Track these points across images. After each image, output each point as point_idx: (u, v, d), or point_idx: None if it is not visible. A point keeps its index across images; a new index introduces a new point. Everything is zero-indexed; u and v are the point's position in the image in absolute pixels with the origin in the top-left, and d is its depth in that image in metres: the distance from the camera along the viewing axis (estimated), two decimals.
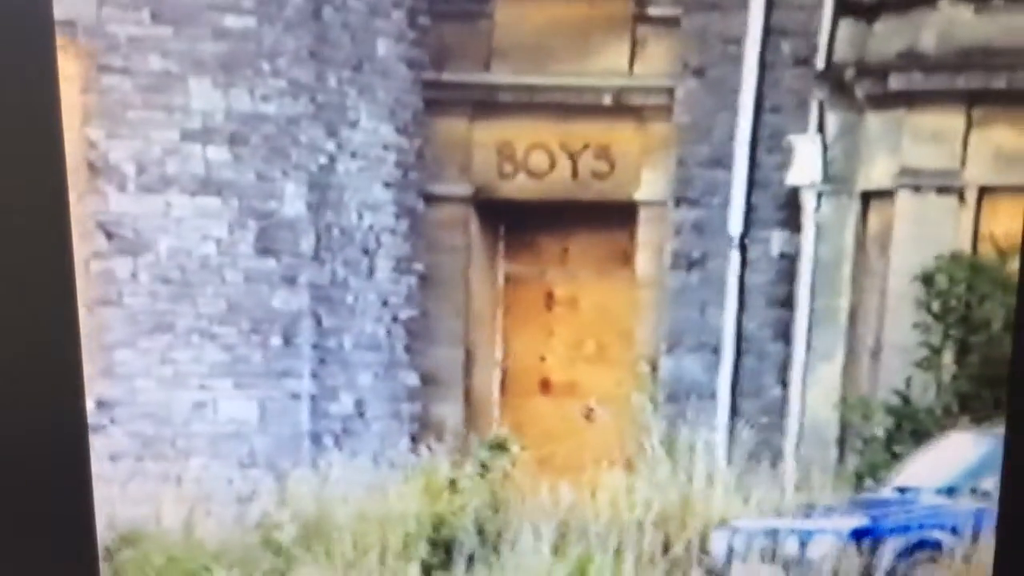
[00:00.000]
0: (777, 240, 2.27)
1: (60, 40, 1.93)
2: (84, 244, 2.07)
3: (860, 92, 2.18)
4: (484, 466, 2.33)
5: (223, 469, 2.19)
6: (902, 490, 2.35)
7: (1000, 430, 2.30)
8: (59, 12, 1.85)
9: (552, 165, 2.24)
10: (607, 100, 2.19)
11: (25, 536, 1.34)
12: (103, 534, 2.10)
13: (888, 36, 2.15)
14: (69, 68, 2.07)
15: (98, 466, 2.01)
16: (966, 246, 2.24)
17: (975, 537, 2.33)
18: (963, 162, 2.21)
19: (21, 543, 1.33)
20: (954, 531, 2.34)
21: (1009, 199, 2.23)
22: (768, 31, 2.14)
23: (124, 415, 2.09)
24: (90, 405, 2.04)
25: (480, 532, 2.33)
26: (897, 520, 2.34)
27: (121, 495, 2.06)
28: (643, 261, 2.29)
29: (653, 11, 2.13)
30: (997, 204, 2.25)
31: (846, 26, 2.13)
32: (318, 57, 2.08)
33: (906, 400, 2.31)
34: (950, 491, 2.36)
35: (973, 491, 2.34)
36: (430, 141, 2.19)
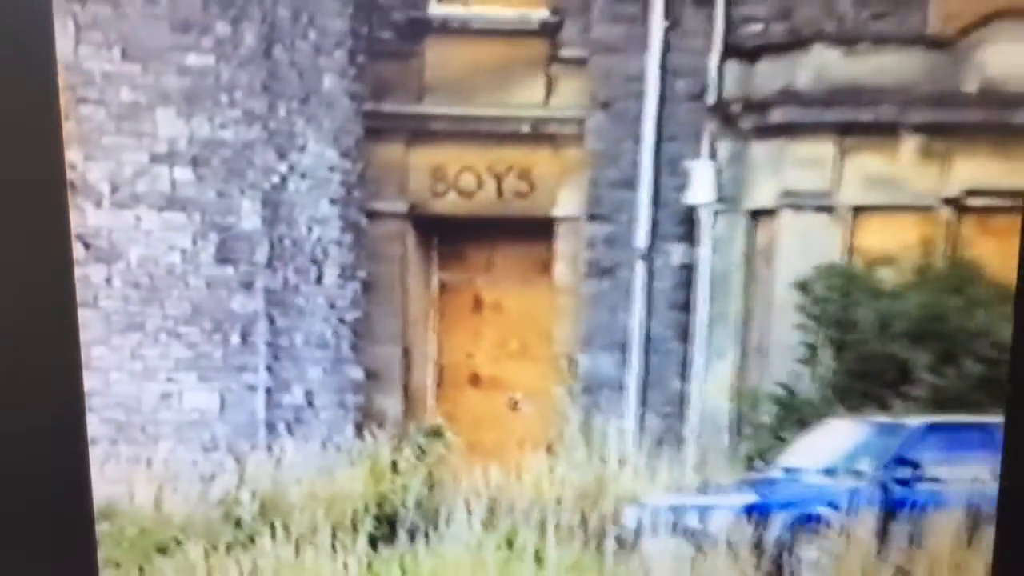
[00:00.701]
0: (677, 252, 2.54)
1: None
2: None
3: (746, 124, 2.47)
4: (421, 451, 2.58)
5: (188, 452, 2.43)
6: (788, 470, 2.63)
7: (875, 418, 2.59)
8: None
9: (479, 185, 2.50)
10: (526, 129, 2.46)
11: (25, 533, 1.33)
12: None
13: (768, 75, 2.44)
14: None
15: None
16: (839, 258, 2.53)
17: (853, 512, 2.60)
18: (836, 185, 2.50)
19: (21, 541, 1.32)
20: (835, 506, 2.61)
21: (877, 217, 2.53)
22: (665, 71, 2.42)
23: (99, 404, 2.33)
24: None
25: (419, 509, 2.58)
26: (784, 496, 2.62)
27: (98, 475, 2.29)
28: (560, 270, 2.56)
29: (565, 52, 2.41)
30: (867, 221, 2.54)
31: (732, 67, 2.41)
32: (270, 90, 2.34)
33: (790, 392, 2.59)
34: (829, 471, 2.64)
35: (849, 471, 2.62)
36: (371, 164, 2.44)
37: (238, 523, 2.43)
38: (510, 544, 2.59)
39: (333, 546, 2.51)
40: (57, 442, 1.34)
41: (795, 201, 2.46)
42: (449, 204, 2.44)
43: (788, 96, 2.39)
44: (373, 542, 2.53)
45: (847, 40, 2.39)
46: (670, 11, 2.34)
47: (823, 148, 2.43)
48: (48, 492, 1.33)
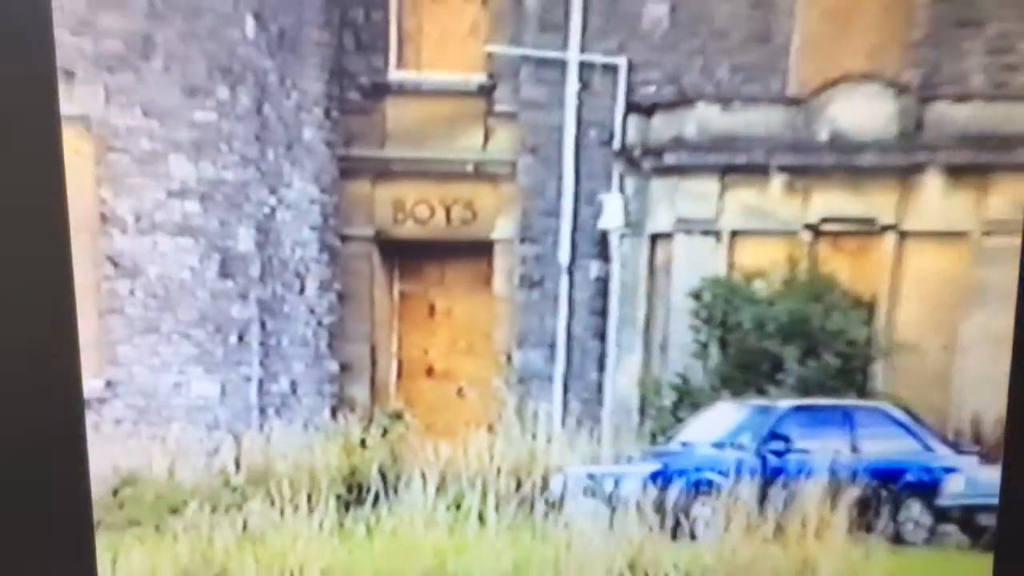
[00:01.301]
0: (593, 268, 3.12)
1: (78, 129, 2.73)
2: (97, 270, 2.85)
3: (646, 165, 3.04)
4: (385, 430, 3.13)
5: (195, 431, 2.97)
6: (684, 444, 3.20)
7: (754, 401, 3.17)
8: (77, 109, 2.66)
9: (432, 214, 3.07)
10: (469, 169, 3.03)
11: (24, 533, 1.31)
12: (109, 479, 2.88)
13: (662, 127, 3.02)
14: (84, 147, 2.86)
15: (106, 429, 2.79)
16: (722, 272, 3.11)
17: (737, 478, 3.18)
18: (719, 214, 3.08)
19: (21, 539, 1.30)
20: (723, 473, 3.18)
21: (751, 239, 3.11)
22: (579, 123, 3.00)
23: (124, 392, 2.87)
24: (100, 384, 2.82)
25: (383, 478, 3.12)
26: (681, 465, 3.19)
27: (122, 450, 2.83)
28: (498, 282, 3.13)
29: (499, 108, 2.98)
30: (743, 243, 3.12)
31: (633, 120, 2.99)
32: (261, 140, 2.89)
33: (685, 380, 3.17)
34: (718, 444, 3.22)
35: (733, 445, 3.20)
36: (343, 197, 3.00)
37: (234, 489, 2.96)
38: (458, 507, 3.12)
39: (310, 508, 3.04)
40: (57, 442, 1.29)
41: (686, 226, 3.03)
42: (407, 230, 3.00)
43: (678, 143, 2.97)
44: (345, 505, 3.06)
45: (724, 99, 2.97)
46: (583, 76, 2.92)
47: (708, 185, 3.01)
48: (48, 492, 1.29)
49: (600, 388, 3.12)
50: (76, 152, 2.73)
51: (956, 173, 2.98)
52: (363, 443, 3.09)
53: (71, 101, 2.65)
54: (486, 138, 2.89)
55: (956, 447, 3.18)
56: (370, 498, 3.09)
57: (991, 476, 3.11)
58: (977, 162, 2.95)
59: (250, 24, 2.73)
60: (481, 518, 3.11)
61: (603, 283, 3.07)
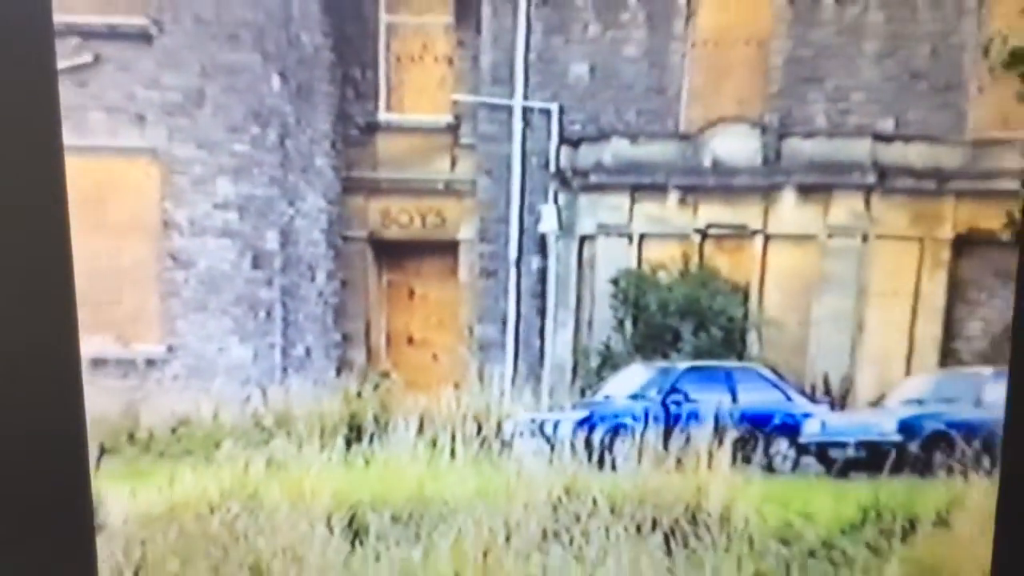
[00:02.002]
0: (535, 262, 4.07)
1: (149, 158, 3.67)
2: (159, 263, 3.78)
3: (574, 184, 4.00)
4: (377, 385, 4.07)
5: (232, 386, 3.91)
6: (606, 397, 4.15)
7: (658, 364, 4.12)
8: (147, 143, 3.62)
9: (411, 221, 4.02)
10: (441, 186, 3.99)
11: (24, 532, 1.27)
12: (168, 420, 3.80)
13: (586, 155, 3.98)
14: (153, 171, 3.79)
15: (167, 383, 3.73)
16: (633, 265, 4.07)
17: (647, 422, 4.12)
18: (630, 220, 4.04)
19: (20, 540, 1.27)
20: (636, 419, 4.13)
21: (655, 240, 4.08)
22: (524, 152, 3.95)
23: (180, 355, 3.81)
24: (163, 349, 3.75)
25: (376, 422, 4.04)
26: (604, 413, 4.14)
27: (178, 398, 3.76)
28: (463, 273, 4.08)
29: (462, 141, 3.93)
30: (649, 242, 4.09)
31: (564, 150, 3.95)
32: (284, 166, 3.84)
33: (607, 348, 4.13)
34: (632, 397, 4.17)
35: (644, 397, 4.15)
36: (345, 208, 3.95)
37: (263, 429, 3.89)
38: (433, 444, 4.05)
39: (322, 444, 3.96)
40: (57, 442, 1.27)
41: (605, 230, 4.00)
42: (393, 232, 3.97)
43: (598, 168, 3.94)
44: (347, 442, 3.99)
45: (632, 135, 3.94)
46: (525, 117, 3.88)
47: (621, 199, 3.97)
48: (48, 491, 1.27)
49: (541, 354, 4.07)
50: (147, 175, 3.68)
51: (805, 191, 3.96)
52: (360, 395, 4.02)
53: (143, 138, 3.61)
54: (452, 163, 3.85)
55: (811, 398, 4.15)
56: (366, 437, 4.00)
57: (839, 419, 4.12)
58: (821, 183, 3.93)
59: (276, 80, 3.69)
60: (451, 453, 4.02)
61: (542, 274, 4.02)
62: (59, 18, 3.25)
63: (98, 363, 3.67)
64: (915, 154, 3.94)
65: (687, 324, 4.14)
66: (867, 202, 3.97)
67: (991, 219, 3.96)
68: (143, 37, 3.54)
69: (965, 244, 4.05)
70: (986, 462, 3.93)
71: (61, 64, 3.26)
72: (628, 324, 4.15)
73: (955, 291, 4.09)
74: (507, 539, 3.70)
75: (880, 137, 3.94)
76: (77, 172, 3.48)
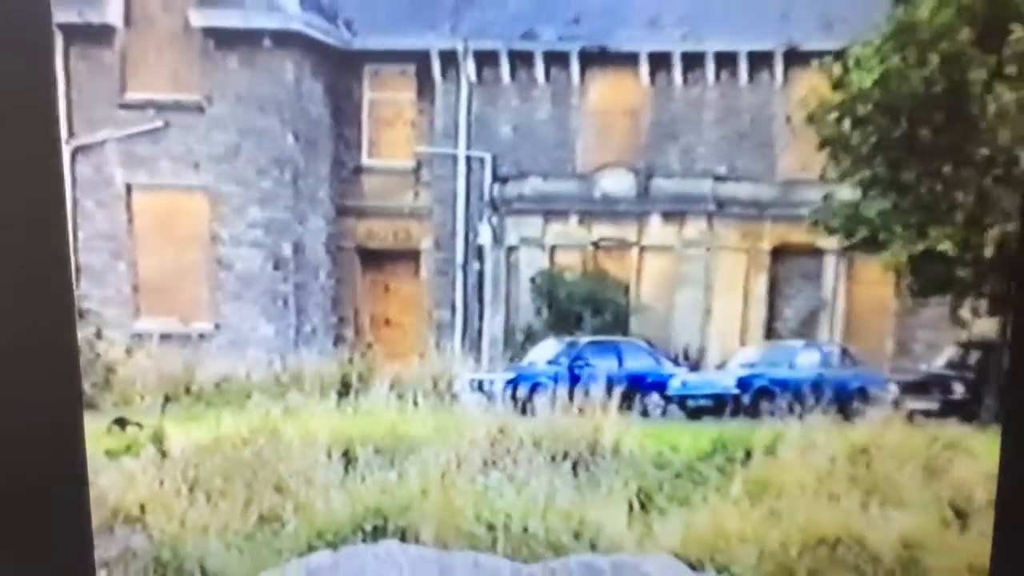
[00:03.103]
0: (475, 265, 5.65)
1: (201, 193, 5.21)
2: (209, 266, 5.31)
3: (504, 210, 5.59)
4: (363, 355, 5.62)
5: (260, 353, 5.45)
6: (529, 363, 5.72)
7: (567, 338, 5.70)
8: (200, 183, 5.19)
9: (387, 236, 5.58)
10: (407, 211, 5.55)
11: (24, 532, 1.23)
12: (214, 378, 5.32)
13: (512, 189, 5.56)
14: (204, 203, 5.33)
15: (214, 351, 5.26)
16: (547, 267, 5.65)
17: (558, 382, 5.68)
18: (543, 236, 5.62)
19: (20, 539, 1.22)
20: (552, 379, 5.69)
21: (562, 250, 5.66)
22: (467, 187, 5.53)
23: (224, 331, 5.35)
24: (212, 326, 5.29)
25: (361, 380, 5.58)
26: (528, 374, 5.70)
27: (222, 363, 5.29)
28: (424, 273, 5.65)
29: (422, 179, 5.50)
30: (558, 251, 5.67)
31: (496, 185, 5.53)
32: (295, 197, 5.39)
33: (529, 327, 5.71)
34: (549, 363, 5.74)
35: (556, 363, 5.72)
36: (339, 227, 5.51)
37: (281, 385, 5.42)
38: (400, 399, 5.58)
39: (322, 397, 5.48)
40: (56, 441, 1.22)
41: (526, 242, 5.59)
42: (374, 244, 5.53)
43: (520, 198, 5.53)
44: (339, 395, 5.51)
45: (544, 174, 5.52)
46: (468, 162, 5.46)
47: (537, 220, 5.57)
48: (48, 491, 1.22)
49: (480, 332, 5.64)
50: (200, 204, 5.21)
51: (667, 216, 5.57)
52: (350, 361, 5.57)
53: (198, 179, 5.13)
54: (416, 195, 5.44)
55: (675, 363, 5.75)
56: (354, 392, 5.52)
57: (695, 378, 5.72)
58: (677, 210, 5.55)
59: (290, 138, 5.25)
60: (416, 403, 5.55)
61: (481, 274, 5.60)
62: (138, 96, 4.81)
63: (164, 336, 5.22)
64: (742, 190, 5.58)
65: (587, 310, 5.73)
66: (709, 223, 5.60)
67: (797, 235, 5.58)
68: (198, 108, 5.10)
69: (779, 253, 5.70)
70: (797, 408, 5.50)
71: (141, 128, 4.81)
72: (544, 310, 5.74)
73: (773, 286, 5.73)
74: (458, 466, 5.22)
75: (718, 178, 5.57)
76: (152, 202, 5.06)
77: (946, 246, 5.42)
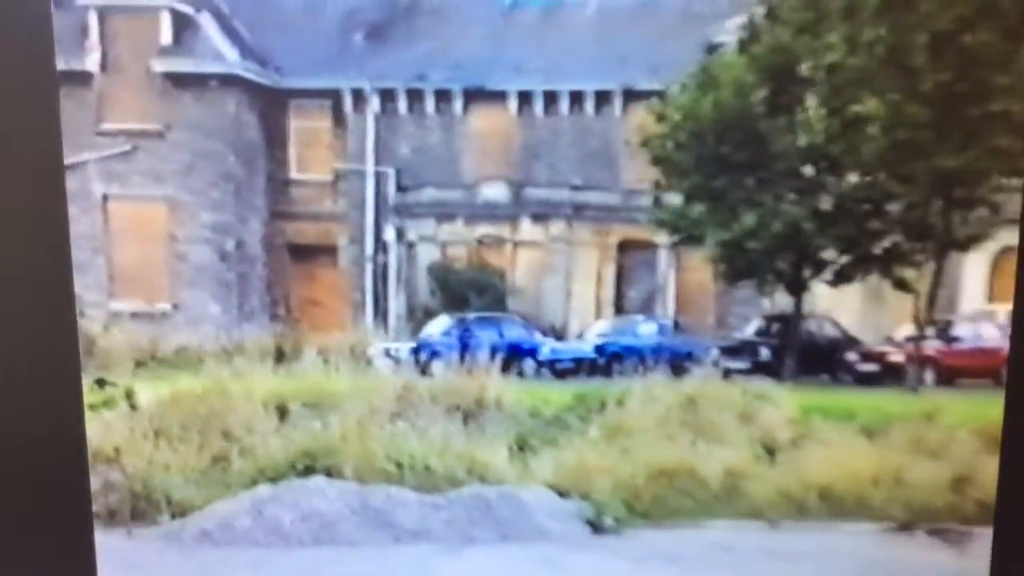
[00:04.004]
0: (382, 257, 7.14)
1: (162, 202, 6.66)
2: (169, 258, 6.73)
3: (404, 213, 7.07)
4: (294, 329, 7.08)
5: (210, 328, 6.89)
6: (428, 335, 7.21)
7: (459, 315, 7.21)
8: (161, 192, 6.63)
9: (311, 234, 7.04)
10: (327, 214, 7.02)
11: (24, 532, 1.25)
12: (172, 347, 6.75)
13: (412, 197, 7.05)
14: (164, 209, 6.74)
15: (173, 327, 6.69)
16: (439, 258, 7.14)
17: (450, 349, 7.17)
18: (436, 234, 7.11)
19: (20, 540, 1.24)
20: (446, 348, 7.17)
21: (452, 245, 7.15)
22: (376, 195, 7.00)
23: (181, 310, 6.79)
24: (171, 307, 6.71)
25: (292, 349, 7.03)
26: (426, 343, 7.19)
27: (180, 335, 6.71)
28: (341, 263, 7.13)
29: (339, 189, 6.96)
30: (449, 246, 7.16)
31: (399, 194, 7.01)
32: (238, 204, 6.84)
33: (426, 307, 7.21)
34: (443, 334, 7.23)
35: (448, 334, 7.21)
36: (273, 228, 6.97)
37: (228, 353, 6.85)
38: (326, 362, 7.03)
39: (261, 363, 6.92)
40: (57, 440, 1.23)
41: (423, 239, 7.07)
42: (302, 241, 6.99)
43: (418, 204, 7.02)
44: (276, 361, 6.95)
45: (438, 185, 7.00)
46: (375, 176, 6.92)
47: (431, 222, 7.06)
48: (48, 491, 1.23)
49: (388, 310, 7.12)
50: (162, 210, 6.60)
51: (535, 218, 7.08)
52: (283, 334, 7.01)
53: (160, 190, 6.54)
54: (334, 202, 6.86)
55: (544, 334, 7.27)
56: (286, 359, 6.96)
57: (561, 346, 7.23)
58: (543, 213, 7.06)
59: (232, 158, 6.68)
60: (337, 368, 6.99)
61: (387, 265, 7.06)
62: (112, 126, 6.23)
63: (134, 315, 6.62)
64: (593, 197, 7.10)
65: (472, 292, 7.23)
66: (568, 224, 7.11)
67: (637, 233, 7.11)
68: (159, 135, 6.51)
69: (624, 247, 7.23)
70: (641, 369, 7.00)
71: (115, 151, 6.22)
72: (438, 292, 7.23)
73: (620, 273, 7.26)
74: (371, 416, 6.64)
75: (574, 188, 7.09)
76: (124, 209, 6.50)
77: (754, 243, 6.99)
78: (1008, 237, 8.71)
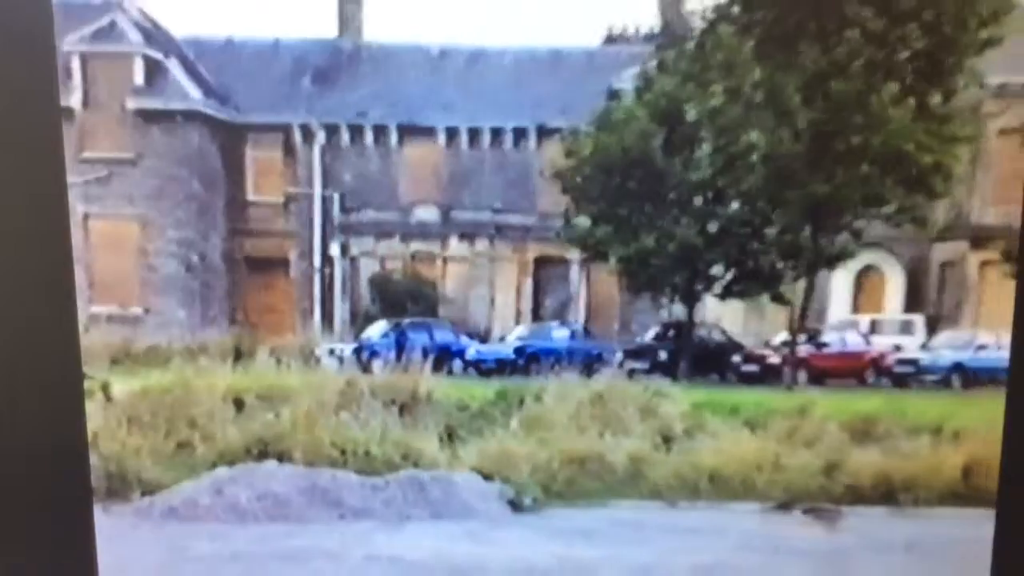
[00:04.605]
0: (328, 270, 8.22)
1: (136, 221, 7.73)
2: (141, 269, 7.79)
3: (349, 231, 8.15)
4: (250, 332, 8.15)
5: (177, 331, 7.96)
6: (367, 337, 8.30)
7: (396, 320, 8.31)
8: (134, 211, 7.71)
9: (265, 249, 8.12)
10: (280, 232, 8.11)
11: (24, 533, 0.97)
12: (144, 348, 7.81)
13: (354, 217, 8.12)
14: (136, 226, 7.80)
15: (147, 330, 7.76)
16: (378, 270, 8.24)
17: (388, 348, 8.27)
18: (376, 249, 8.20)
19: (20, 540, 0.97)
20: (385, 348, 8.27)
21: (390, 260, 8.25)
22: (323, 215, 8.08)
23: (153, 314, 7.86)
24: (142, 311, 7.77)
25: (250, 351, 8.09)
26: (366, 344, 8.30)
27: (150, 336, 7.77)
28: (292, 274, 8.22)
29: (290, 209, 8.04)
30: (387, 261, 8.25)
31: (342, 215, 8.09)
32: (202, 223, 7.91)
33: (367, 312, 8.31)
34: (382, 336, 8.32)
35: (385, 336, 8.31)
36: (232, 243, 8.06)
37: (192, 352, 7.90)
38: (279, 361, 8.10)
39: (222, 361, 7.97)
40: (57, 440, 0.99)
41: (364, 254, 8.17)
42: (257, 254, 8.08)
43: (360, 224, 8.10)
44: (235, 360, 8.01)
45: (377, 207, 8.09)
46: (322, 199, 8.01)
47: (371, 239, 8.14)
48: (48, 491, 0.97)
49: (333, 315, 8.21)
50: (134, 227, 7.66)
51: (462, 236, 8.20)
52: (241, 336, 8.06)
53: (134, 210, 7.60)
54: (286, 221, 7.94)
55: (471, 337, 8.38)
56: (244, 358, 8.02)
57: (485, 348, 8.35)
58: (469, 232, 8.17)
59: (196, 183, 7.76)
60: (289, 366, 8.06)
61: (332, 276, 8.15)
62: (91, 155, 7.30)
63: (110, 318, 7.66)
64: (513, 219, 8.23)
65: (408, 300, 8.32)
66: (491, 242, 8.22)
67: (551, 250, 8.24)
68: (132, 163, 7.55)
69: (540, 262, 8.36)
70: (556, 368, 8.08)
71: (94, 176, 7.29)
72: (377, 300, 8.31)
73: (536, 285, 8.40)
74: (318, 409, 7.70)
75: (496, 211, 8.20)
76: (102, 226, 7.61)
77: (653, 260, 8.13)
78: (868, 257, 9.91)
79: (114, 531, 6.78)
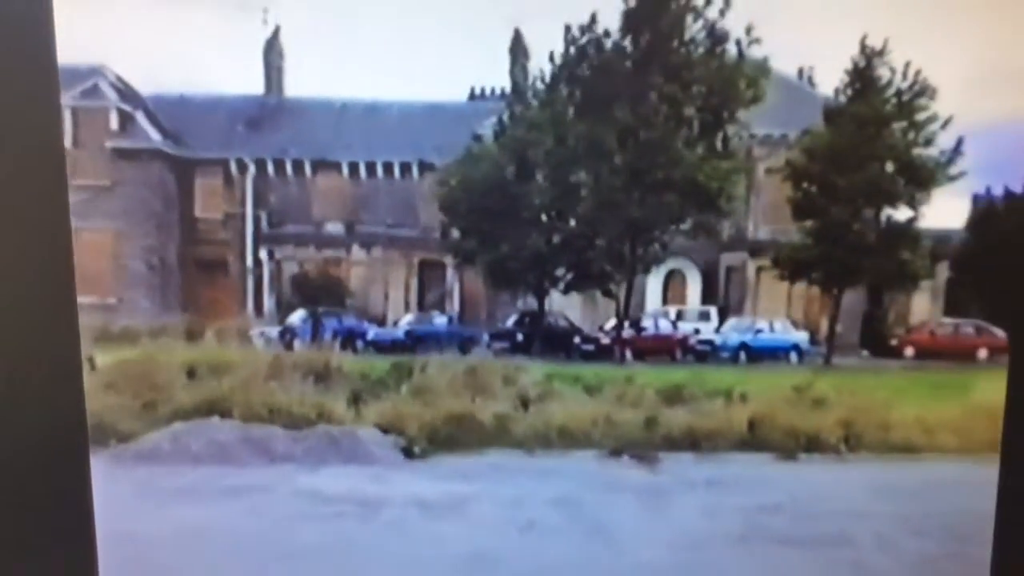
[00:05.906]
0: (258, 270, 10.79)
1: (110, 231, 10.34)
2: (116, 269, 10.40)
3: (275, 241, 10.72)
4: (199, 318, 10.71)
5: (143, 316, 10.53)
6: (290, 322, 10.85)
7: (311, 308, 10.90)
8: (111, 225, 10.38)
9: (211, 254, 10.71)
10: (221, 241, 10.70)
11: (24, 534, 1.00)
12: (118, 328, 10.38)
13: (278, 231, 10.69)
14: (110, 236, 10.40)
15: (120, 316, 10.34)
16: (298, 271, 10.81)
17: (307, 333, 10.82)
18: (295, 254, 10.78)
19: (21, 541, 1.00)
20: (302, 332, 10.81)
21: (308, 263, 10.83)
22: (254, 228, 10.66)
23: (125, 304, 10.42)
24: (116, 301, 10.35)
25: (199, 332, 10.63)
26: (289, 328, 10.82)
27: (122, 320, 10.34)
28: (232, 274, 10.80)
29: (227, 225, 10.64)
30: (305, 263, 10.83)
31: (269, 229, 10.66)
32: (162, 235, 10.51)
33: (290, 302, 10.86)
34: (301, 322, 10.88)
35: (304, 322, 10.87)
36: (185, 249, 10.66)
37: (155, 333, 10.46)
38: (221, 340, 10.64)
39: (176, 339, 10.53)
40: (58, 441, 1.02)
41: (287, 258, 10.74)
42: (205, 258, 10.68)
43: (283, 235, 10.68)
44: (188, 339, 10.55)
45: (295, 222, 10.67)
46: (253, 216, 10.60)
47: (292, 246, 10.71)
48: (49, 492, 0.99)
49: (263, 305, 10.79)
50: (110, 236, 10.25)
51: (363, 244, 10.75)
52: (193, 321, 10.61)
53: (110, 224, 10.19)
54: (226, 233, 10.52)
55: (371, 323, 10.95)
56: (195, 338, 10.55)
57: (383, 331, 10.91)
58: (369, 242, 10.73)
59: (157, 203, 10.38)
60: (229, 344, 10.60)
61: (261, 275, 10.72)
62: (79, 183, 9.91)
63: (92, 306, 10.19)
64: (401, 232, 10.77)
65: (321, 294, 10.87)
66: (385, 249, 10.76)
67: (432, 256, 10.74)
68: (108, 189, 10.11)
69: (423, 265, 10.90)
70: (437, 347, 10.61)
71: (79, 199, 9.89)
72: (297, 294, 10.85)
73: (421, 282, 10.93)
74: (252, 378, 10.19)
75: (389, 225, 10.74)
76: (88, 236, 10.23)
77: (510, 264, 10.65)
78: (673, 263, 12.31)
79: (95, 471, 9.10)
